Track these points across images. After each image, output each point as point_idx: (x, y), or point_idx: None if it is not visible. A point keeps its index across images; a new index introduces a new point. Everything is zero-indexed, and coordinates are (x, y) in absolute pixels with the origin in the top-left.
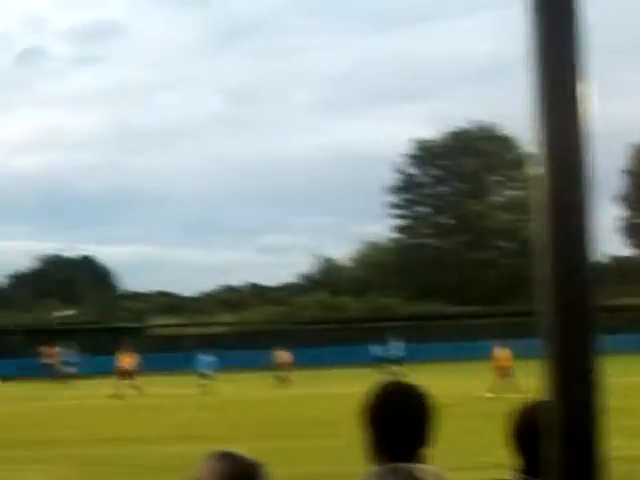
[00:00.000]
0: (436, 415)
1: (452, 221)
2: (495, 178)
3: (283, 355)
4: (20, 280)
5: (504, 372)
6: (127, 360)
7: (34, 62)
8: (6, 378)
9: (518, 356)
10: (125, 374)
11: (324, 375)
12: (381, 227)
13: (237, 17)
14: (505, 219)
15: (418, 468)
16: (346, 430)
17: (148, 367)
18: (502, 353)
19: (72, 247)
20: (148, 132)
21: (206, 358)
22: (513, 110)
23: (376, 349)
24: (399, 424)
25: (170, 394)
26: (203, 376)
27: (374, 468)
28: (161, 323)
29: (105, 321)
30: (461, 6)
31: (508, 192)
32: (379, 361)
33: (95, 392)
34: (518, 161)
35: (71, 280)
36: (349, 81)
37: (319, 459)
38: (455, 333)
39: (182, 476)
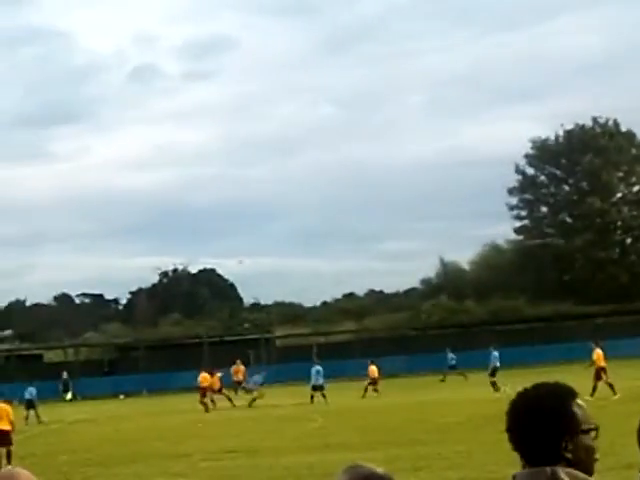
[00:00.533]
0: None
1: (573, 220)
2: (616, 174)
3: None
4: (142, 296)
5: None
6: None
7: (146, 79)
8: (129, 394)
9: None
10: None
11: (450, 380)
12: (502, 229)
13: (347, 23)
14: (629, 215)
15: (562, 471)
16: (476, 435)
17: (275, 378)
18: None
19: (193, 261)
20: (261, 143)
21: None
22: (633, 104)
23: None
24: (527, 429)
25: (296, 403)
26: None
27: (518, 472)
28: (285, 333)
29: (229, 334)
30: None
31: (631, 188)
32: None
33: (225, 404)
34: (639, 156)
35: (192, 294)
36: (465, 82)
37: (452, 464)
38: (583, 333)
39: None
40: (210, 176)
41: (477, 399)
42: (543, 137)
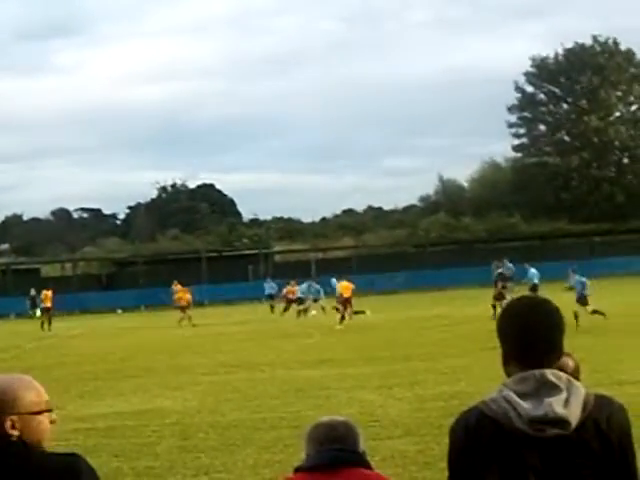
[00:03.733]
0: (565, 326)
1: (571, 138)
2: (615, 93)
3: None
4: (141, 210)
5: None
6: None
7: None
8: (126, 309)
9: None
10: None
11: (446, 296)
12: (501, 147)
13: None
14: (626, 135)
15: (550, 372)
16: (474, 350)
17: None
18: None
19: (193, 176)
20: (265, 59)
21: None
22: (633, 24)
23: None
24: (528, 334)
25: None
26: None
27: (506, 380)
28: (284, 249)
29: (228, 249)
30: None
31: (629, 107)
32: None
33: (222, 320)
34: (638, 76)
35: (192, 209)
36: (467, 0)
37: (448, 379)
38: (577, 251)
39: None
40: (212, 91)
41: (477, 315)
42: (543, 55)
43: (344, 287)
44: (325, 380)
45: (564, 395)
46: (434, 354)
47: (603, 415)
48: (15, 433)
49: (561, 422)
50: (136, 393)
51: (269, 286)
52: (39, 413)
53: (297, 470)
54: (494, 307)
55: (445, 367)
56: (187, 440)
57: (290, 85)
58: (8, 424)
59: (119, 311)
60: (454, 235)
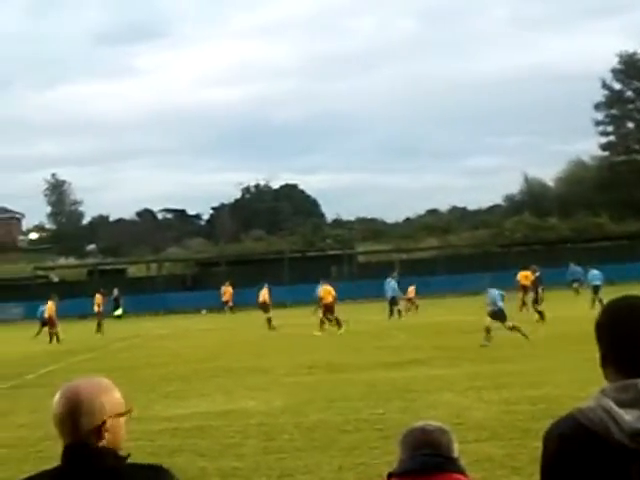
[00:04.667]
0: None
1: None
2: None
3: None
4: (225, 211)
5: None
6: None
7: None
8: (211, 309)
9: None
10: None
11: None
12: (587, 145)
13: None
14: None
15: None
16: (560, 353)
17: (357, 293)
18: None
19: (275, 176)
20: (343, 58)
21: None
22: None
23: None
24: (630, 337)
25: (377, 320)
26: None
27: (605, 386)
28: (368, 249)
29: (311, 249)
30: None
31: None
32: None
33: (304, 321)
34: None
35: (275, 209)
36: None
37: (534, 382)
38: None
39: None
40: (292, 92)
41: (562, 317)
42: (631, 51)
43: (326, 291)
44: (409, 382)
45: None
46: (519, 356)
47: None
48: (103, 441)
49: None
50: (220, 393)
51: (391, 288)
52: (122, 415)
53: (390, 475)
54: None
55: (531, 369)
56: (271, 441)
57: (369, 84)
58: (96, 429)
59: (203, 311)
60: (539, 235)
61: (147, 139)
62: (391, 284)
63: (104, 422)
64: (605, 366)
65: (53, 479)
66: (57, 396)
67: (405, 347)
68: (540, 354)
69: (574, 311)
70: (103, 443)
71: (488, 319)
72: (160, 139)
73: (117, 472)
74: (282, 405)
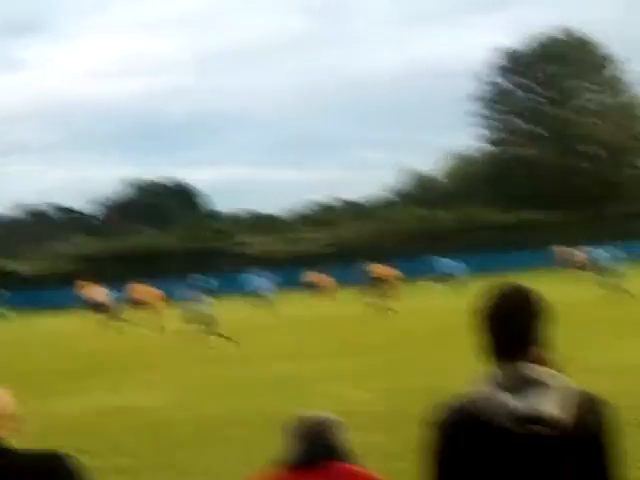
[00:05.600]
0: (548, 317)
1: (543, 130)
2: (585, 85)
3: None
4: (111, 207)
5: None
6: None
7: None
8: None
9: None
10: None
11: (421, 288)
12: (469, 138)
13: None
14: (600, 126)
15: (532, 367)
16: (445, 342)
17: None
18: None
19: (162, 171)
20: (232, 53)
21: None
22: (604, 16)
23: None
24: (506, 323)
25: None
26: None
27: (486, 371)
28: (252, 242)
29: (196, 243)
30: None
31: (594, 97)
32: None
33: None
34: (607, 67)
35: (161, 204)
36: None
37: (422, 371)
38: (553, 240)
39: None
40: (181, 86)
41: (448, 307)
42: (514, 47)
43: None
44: (299, 374)
45: (548, 391)
46: (407, 346)
47: (587, 412)
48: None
49: (546, 420)
50: (110, 390)
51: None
52: (13, 414)
53: (281, 466)
54: None
55: (419, 359)
56: (163, 437)
57: (258, 80)
58: None
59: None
60: (427, 226)
61: (33, 133)
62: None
63: (10, 414)
64: (487, 352)
65: None
66: None
67: (293, 339)
68: (426, 343)
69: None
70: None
71: None
72: (46, 134)
73: (9, 459)
74: (173, 400)
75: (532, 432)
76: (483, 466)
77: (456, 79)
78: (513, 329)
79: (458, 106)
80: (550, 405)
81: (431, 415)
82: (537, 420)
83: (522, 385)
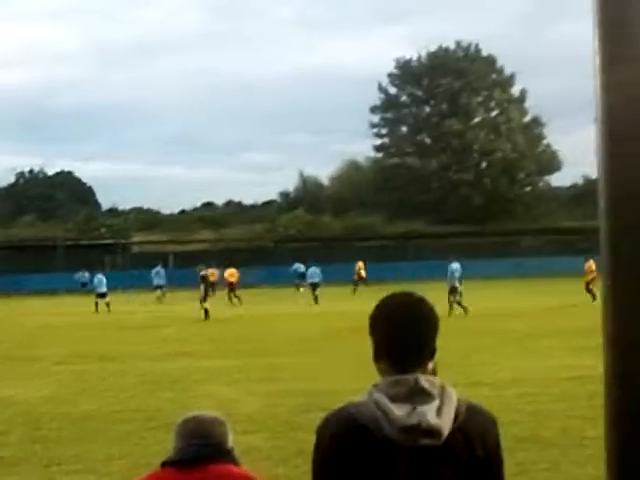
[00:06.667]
0: (438, 325)
1: (432, 141)
2: (476, 98)
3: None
4: None
5: None
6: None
7: None
8: None
9: (500, 275)
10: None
11: (306, 294)
12: (362, 146)
13: None
14: (486, 139)
15: (424, 378)
16: (329, 347)
17: (129, 284)
18: None
19: (51, 163)
20: (128, 48)
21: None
22: (495, 30)
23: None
24: (403, 332)
25: (150, 310)
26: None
27: (379, 381)
28: (142, 240)
29: (85, 238)
30: None
31: (489, 113)
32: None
33: (79, 309)
34: (499, 82)
35: (50, 196)
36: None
37: (304, 376)
38: (436, 252)
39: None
40: (73, 79)
41: (332, 312)
42: (407, 57)
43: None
44: (179, 373)
45: (437, 403)
46: (290, 350)
47: (473, 426)
48: None
49: (433, 432)
50: None
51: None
52: None
53: (164, 464)
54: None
55: (301, 363)
56: (38, 430)
57: (152, 75)
58: None
59: None
60: (313, 232)
61: None
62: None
63: None
64: (378, 360)
65: None
66: None
67: (176, 338)
68: (311, 349)
69: (350, 306)
70: None
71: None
72: None
73: None
74: (51, 394)
75: (418, 445)
76: (365, 477)
77: (357, 86)
78: (409, 338)
79: (359, 113)
80: (438, 418)
81: (317, 422)
82: (424, 433)
83: (414, 397)
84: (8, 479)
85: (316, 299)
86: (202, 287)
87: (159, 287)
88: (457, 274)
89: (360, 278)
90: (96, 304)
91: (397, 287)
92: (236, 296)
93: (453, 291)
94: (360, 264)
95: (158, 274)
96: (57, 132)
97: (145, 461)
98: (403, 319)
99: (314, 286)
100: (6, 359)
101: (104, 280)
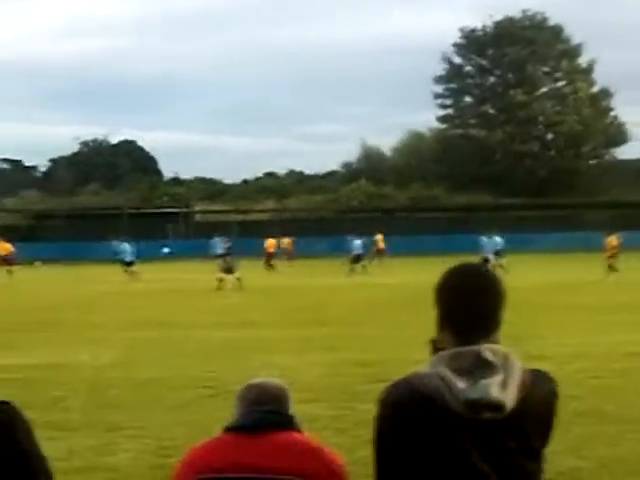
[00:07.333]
0: (506, 299)
1: (496, 111)
2: (542, 68)
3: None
4: (62, 164)
5: None
6: None
7: None
8: (47, 261)
9: (564, 249)
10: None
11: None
12: (426, 117)
13: None
14: (551, 110)
15: (486, 348)
16: (392, 317)
17: (191, 251)
18: None
19: (115, 132)
20: (192, 18)
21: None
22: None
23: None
24: (468, 303)
25: (209, 279)
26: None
27: (442, 352)
28: (204, 209)
29: (148, 206)
30: None
31: (555, 83)
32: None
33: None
34: (566, 51)
35: (113, 165)
36: None
37: (365, 346)
38: (499, 224)
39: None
40: (138, 48)
41: (392, 283)
42: (472, 27)
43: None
44: (241, 341)
45: (501, 376)
46: (352, 320)
47: (538, 397)
48: None
49: (496, 406)
50: (50, 346)
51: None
52: None
53: (226, 429)
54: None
55: (363, 333)
56: (100, 395)
57: (215, 46)
58: None
59: (37, 263)
60: (375, 203)
61: None
62: None
63: None
64: (442, 331)
65: None
66: None
67: (236, 307)
68: (373, 318)
69: (410, 277)
70: None
71: None
72: (1, 89)
73: None
74: (112, 360)
75: (482, 418)
76: (428, 448)
77: (419, 56)
78: (474, 309)
79: (417, 83)
80: (502, 391)
81: (378, 393)
82: (487, 406)
83: (477, 370)
84: (71, 442)
85: (362, 268)
86: (228, 258)
87: (220, 256)
88: (489, 246)
89: (378, 251)
90: (127, 272)
91: (458, 259)
92: (270, 265)
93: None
94: (380, 236)
95: (217, 243)
96: (121, 101)
97: (206, 428)
98: (468, 289)
99: (357, 258)
100: (70, 325)
101: (129, 248)
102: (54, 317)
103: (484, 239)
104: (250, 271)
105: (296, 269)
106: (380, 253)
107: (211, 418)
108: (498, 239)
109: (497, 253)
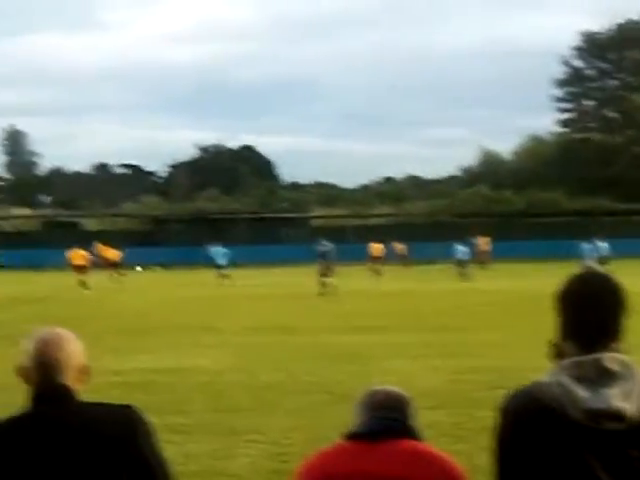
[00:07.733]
0: (629, 307)
1: (618, 115)
2: None
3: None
4: (181, 169)
5: None
6: None
7: None
8: (165, 265)
9: None
10: None
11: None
12: (545, 121)
13: None
14: None
15: (607, 357)
16: (511, 324)
17: (308, 257)
18: None
19: (233, 137)
20: (308, 22)
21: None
22: None
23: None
24: (591, 312)
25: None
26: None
27: (562, 361)
28: (321, 214)
29: (266, 211)
30: None
31: None
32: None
33: (258, 281)
34: None
35: (232, 170)
36: None
37: (484, 352)
38: (621, 230)
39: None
40: (256, 53)
41: (512, 289)
42: (593, 30)
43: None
44: (360, 347)
45: (623, 385)
46: (471, 326)
47: None
48: (77, 387)
49: (617, 416)
50: (169, 350)
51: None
52: (85, 366)
53: (348, 436)
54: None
55: (482, 340)
56: (219, 399)
57: (334, 49)
58: (70, 377)
59: (138, 268)
60: (494, 207)
61: (107, 93)
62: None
63: (83, 366)
64: (563, 339)
65: (31, 420)
66: (33, 342)
67: (357, 312)
68: (494, 324)
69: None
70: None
71: None
72: (120, 94)
73: (86, 412)
74: (231, 364)
75: (602, 427)
76: (548, 457)
77: (537, 60)
78: (596, 317)
79: (536, 87)
80: (625, 401)
81: (500, 401)
82: (608, 415)
83: (599, 377)
84: (188, 446)
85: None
86: (324, 262)
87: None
88: (591, 253)
89: (480, 254)
90: (219, 276)
91: (575, 265)
92: (375, 270)
93: None
94: (483, 239)
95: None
96: (239, 107)
97: (324, 434)
98: (591, 298)
99: (460, 263)
100: (189, 329)
101: (222, 251)
102: (172, 321)
103: (585, 245)
104: (362, 276)
105: (409, 273)
106: (482, 256)
107: (330, 424)
108: (602, 245)
109: (601, 259)
